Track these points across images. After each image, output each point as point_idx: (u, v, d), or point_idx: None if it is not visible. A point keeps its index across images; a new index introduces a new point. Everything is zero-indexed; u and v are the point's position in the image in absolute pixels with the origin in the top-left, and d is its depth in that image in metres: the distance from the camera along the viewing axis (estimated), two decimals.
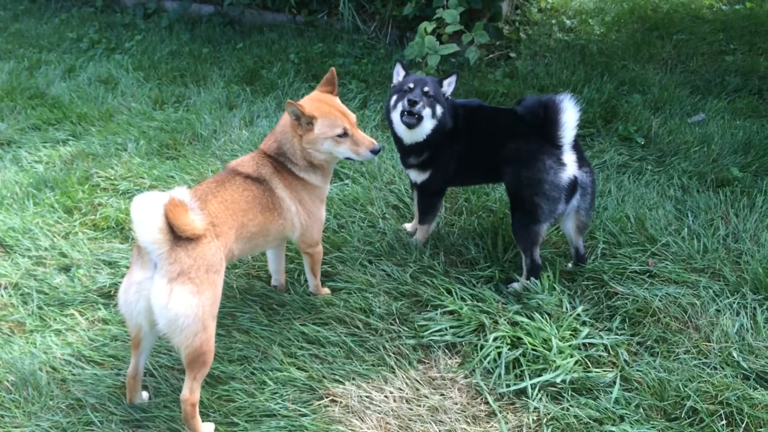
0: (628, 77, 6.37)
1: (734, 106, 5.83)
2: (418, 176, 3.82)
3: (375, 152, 3.25)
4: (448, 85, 3.64)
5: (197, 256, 2.66)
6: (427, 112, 3.51)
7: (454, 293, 3.52)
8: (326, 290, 3.65)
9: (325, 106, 3.21)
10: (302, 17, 7.94)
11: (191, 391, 2.72)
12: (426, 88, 3.53)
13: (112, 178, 4.85)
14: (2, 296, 3.70)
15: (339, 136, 3.19)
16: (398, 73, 3.71)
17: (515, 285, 3.62)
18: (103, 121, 5.91)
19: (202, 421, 2.81)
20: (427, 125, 3.56)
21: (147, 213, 2.52)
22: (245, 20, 8.26)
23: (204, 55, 7.41)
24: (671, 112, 5.71)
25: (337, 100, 3.34)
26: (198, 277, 2.64)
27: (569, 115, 3.36)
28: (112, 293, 3.68)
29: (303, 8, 7.90)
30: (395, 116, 3.60)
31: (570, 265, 3.77)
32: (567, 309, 3.41)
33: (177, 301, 2.58)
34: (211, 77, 6.80)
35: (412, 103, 3.44)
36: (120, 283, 3.67)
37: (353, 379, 3.08)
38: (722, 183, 4.65)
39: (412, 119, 3.50)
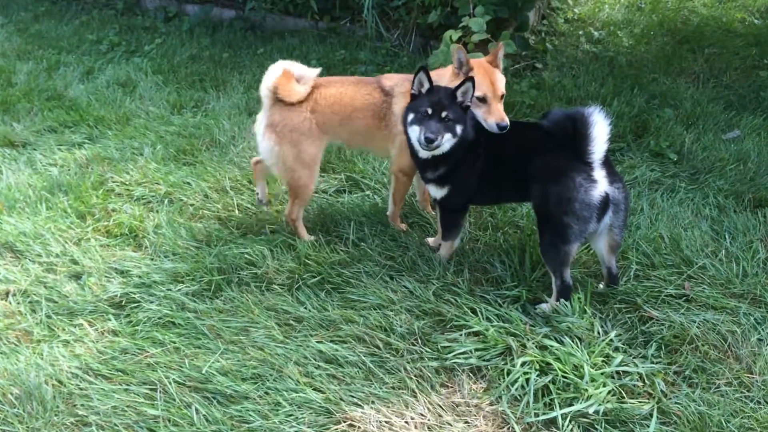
0: (658, 91, 6.17)
1: None
2: (437, 192, 3.66)
3: None
4: (462, 95, 3.42)
5: (285, 117, 3.70)
6: (446, 137, 3.39)
7: (479, 313, 3.35)
8: (403, 225, 4.05)
9: None
10: (324, 23, 7.84)
11: (290, 210, 3.94)
12: (444, 113, 3.37)
13: (127, 183, 4.74)
14: (10, 303, 3.58)
15: None
16: (422, 83, 3.49)
17: (544, 306, 3.43)
18: (120, 125, 5.81)
19: None
20: (446, 144, 3.43)
21: (271, 72, 3.65)
22: (266, 25, 8.17)
23: (224, 60, 7.32)
24: (704, 127, 5.49)
25: None
26: (282, 132, 3.70)
27: (600, 128, 3.16)
28: (123, 303, 3.55)
29: (325, 14, 7.79)
30: (412, 134, 3.46)
31: (602, 286, 3.58)
32: (599, 333, 3.22)
33: (265, 143, 3.74)
34: (230, 82, 6.70)
35: (429, 140, 3.33)
36: (131, 293, 3.59)
37: (372, 402, 2.91)
38: (760, 203, 4.43)
39: (431, 146, 3.37)
